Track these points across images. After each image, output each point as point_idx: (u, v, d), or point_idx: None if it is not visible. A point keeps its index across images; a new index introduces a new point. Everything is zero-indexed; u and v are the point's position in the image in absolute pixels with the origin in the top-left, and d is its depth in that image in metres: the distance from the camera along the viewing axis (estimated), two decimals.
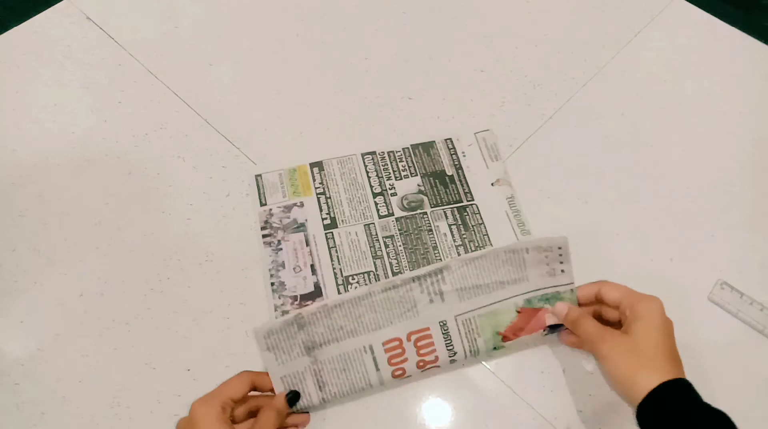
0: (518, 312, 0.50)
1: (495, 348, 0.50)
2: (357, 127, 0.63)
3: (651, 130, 0.63)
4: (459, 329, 0.49)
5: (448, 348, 0.49)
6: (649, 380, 0.41)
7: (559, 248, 0.50)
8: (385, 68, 0.67)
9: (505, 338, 0.49)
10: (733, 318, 0.53)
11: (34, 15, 0.69)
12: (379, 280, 0.54)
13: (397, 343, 0.49)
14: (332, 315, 0.48)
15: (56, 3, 0.70)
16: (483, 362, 0.51)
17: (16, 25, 0.68)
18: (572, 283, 0.50)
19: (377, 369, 0.49)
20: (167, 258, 0.55)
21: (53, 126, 0.62)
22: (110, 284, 0.54)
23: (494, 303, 0.50)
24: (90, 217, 0.57)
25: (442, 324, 0.49)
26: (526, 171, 0.60)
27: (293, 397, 0.47)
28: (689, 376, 0.43)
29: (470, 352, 0.49)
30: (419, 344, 0.49)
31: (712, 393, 0.43)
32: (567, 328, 0.49)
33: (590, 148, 0.62)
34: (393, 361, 0.49)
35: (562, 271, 0.50)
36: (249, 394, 0.46)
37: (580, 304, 0.50)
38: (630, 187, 0.60)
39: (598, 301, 0.49)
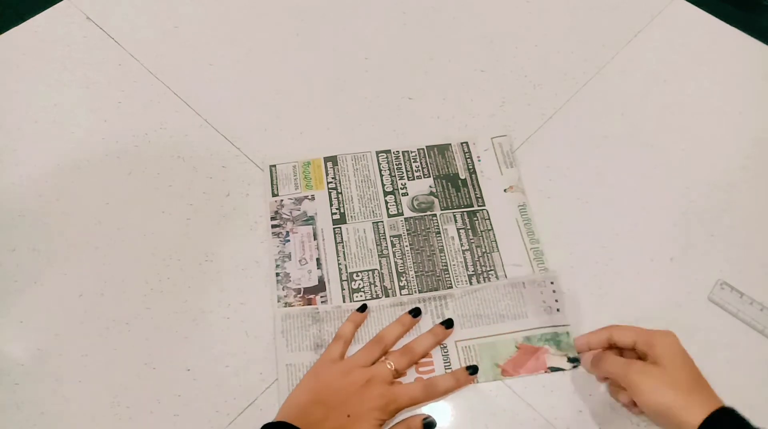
0: (517, 347, 0.51)
1: (494, 380, 0.50)
2: (357, 127, 0.63)
3: (651, 130, 0.63)
4: (459, 355, 0.50)
5: (447, 371, 0.50)
6: (695, 414, 0.40)
7: (552, 283, 0.53)
8: (385, 68, 0.67)
9: (504, 372, 0.50)
10: (734, 318, 0.53)
11: (34, 15, 0.69)
12: (383, 279, 0.54)
13: None
14: (344, 318, 0.51)
15: (56, 3, 0.70)
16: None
17: (16, 25, 0.68)
18: (568, 324, 0.52)
19: None
20: (167, 258, 0.55)
21: (53, 126, 0.62)
22: (110, 284, 0.54)
23: (494, 335, 0.51)
24: (90, 217, 0.57)
25: (442, 347, 0.51)
26: (526, 171, 0.60)
27: (430, 424, 0.47)
28: None
29: None
30: (419, 361, 0.50)
31: None
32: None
33: (590, 148, 0.62)
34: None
35: (558, 309, 0.52)
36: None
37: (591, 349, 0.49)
38: (630, 187, 0.60)
39: (611, 346, 0.48)
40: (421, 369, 0.50)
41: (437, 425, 0.47)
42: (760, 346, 0.51)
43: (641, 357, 0.45)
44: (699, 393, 0.42)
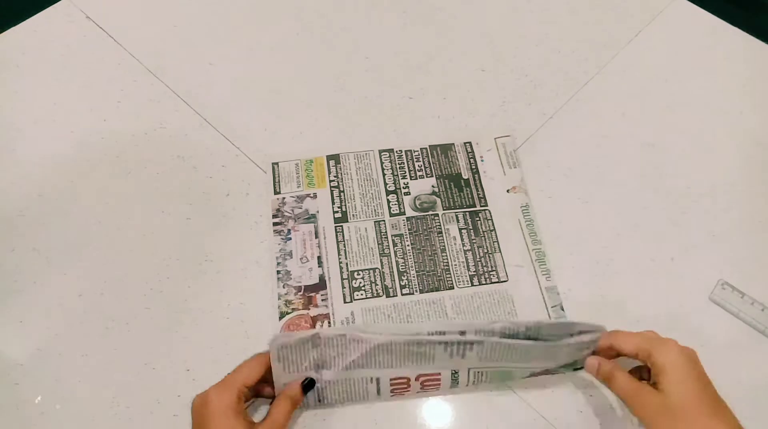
0: (532, 374, 0.49)
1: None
2: (357, 127, 0.63)
3: (651, 130, 0.63)
4: (469, 377, 0.48)
5: (453, 388, 0.49)
6: None
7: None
8: (385, 68, 0.67)
9: None
10: (734, 318, 0.53)
11: (34, 15, 0.69)
12: (384, 278, 0.54)
13: (404, 381, 0.48)
14: (348, 348, 0.46)
15: (56, 2, 0.70)
16: None
17: (16, 25, 0.68)
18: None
19: (378, 394, 0.49)
20: (167, 258, 0.55)
21: (53, 126, 0.62)
22: (110, 284, 0.54)
23: (512, 368, 0.48)
24: (90, 217, 0.57)
25: (453, 372, 0.48)
26: (526, 171, 0.60)
27: (308, 384, 0.46)
28: None
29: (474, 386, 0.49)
30: (426, 384, 0.48)
31: None
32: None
33: (590, 148, 0.62)
34: (395, 391, 0.49)
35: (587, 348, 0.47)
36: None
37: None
38: (630, 187, 0.59)
39: (615, 352, 0.46)
40: (426, 387, 0.48)
41: (434, 424, 0.47)
42: (761, 346, 0.51)
43: (644, 366, 0.45)
44: (704, 422, 0.40)
